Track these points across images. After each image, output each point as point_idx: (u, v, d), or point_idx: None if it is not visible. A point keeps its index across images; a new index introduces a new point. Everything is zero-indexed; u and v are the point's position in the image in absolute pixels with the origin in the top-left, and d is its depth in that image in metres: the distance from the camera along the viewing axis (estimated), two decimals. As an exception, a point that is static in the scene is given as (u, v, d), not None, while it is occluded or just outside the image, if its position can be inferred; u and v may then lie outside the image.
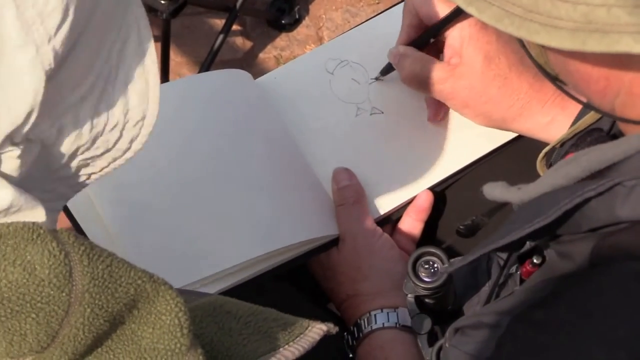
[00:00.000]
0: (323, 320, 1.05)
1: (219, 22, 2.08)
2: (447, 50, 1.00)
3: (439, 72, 1.00)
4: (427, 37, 1.03)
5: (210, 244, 0.97)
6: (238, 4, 1.95)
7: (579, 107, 0.97)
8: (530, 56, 0.69)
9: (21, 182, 0.55)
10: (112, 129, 0.58)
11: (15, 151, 0.53)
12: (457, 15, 0.99)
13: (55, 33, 0.52)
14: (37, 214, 0.55)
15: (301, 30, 2.16)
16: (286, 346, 0.65)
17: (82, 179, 0.60)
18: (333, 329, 0.68)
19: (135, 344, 0.57)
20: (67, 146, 0.57)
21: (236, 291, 0.97)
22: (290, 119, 1.08)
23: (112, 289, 0.55)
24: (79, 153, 0.58)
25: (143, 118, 0.59)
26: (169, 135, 1.02)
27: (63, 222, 0.99)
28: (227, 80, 1.09)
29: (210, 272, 0.95)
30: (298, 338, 0.66)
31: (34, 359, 0.54)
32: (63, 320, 0.53)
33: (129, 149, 0.60)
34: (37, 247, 0.53)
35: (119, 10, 0.57)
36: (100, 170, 0.60)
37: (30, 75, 0.51)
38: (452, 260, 0.93)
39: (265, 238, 0.98)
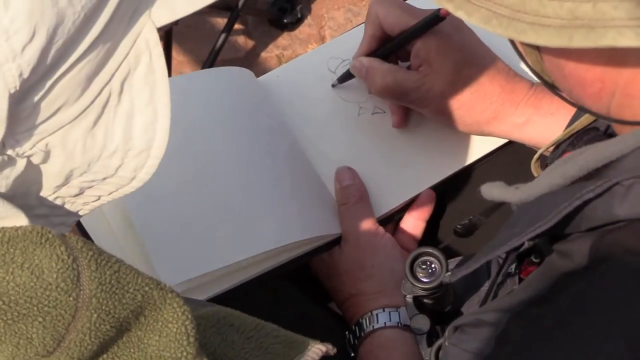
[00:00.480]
0: (325, 319, 1.06)
1: (221, 21, 2.08)
2: (415, 60, 1.01)
3: (410, 82, 1.00)
4: (394, 48, 1.03)
5: (212, 242, 0.97)
6: (240, 3, 1.95)
7: (554, 106, 0.98)
8: (527, 64, 0.69)
9: (17, 197, 0.55)
10: (111, 155, 0.58)
11: None
12: (428, 27, 0.99)
13: (22, 51, 0.52)
14: (18, 222, 0.55)
15: (303, 30, 2.16)
16: None
17: (90, 199, 0.60)
18: (332, 350, 0.68)
19: (141, 351, 0.57)
20: (58, 166, 0.57)
21: (239, 290, 0.97)
22: (292, 117, 1.08)
23: (119, 294, 0.55)
24: (75, 175, 0.58)
25: (149, 148, 0.59)
26: (172, 132, 1.03)
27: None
28: (229, 77, 1.09)
29: (211, 269, 0.95)
30: (297, 357, 0.66)
31: None
32: (70, 324, 0.53)
33: (134, 177, 0.60)
34: (46, 251, 0.53)
35: (125, 36, 0.57)
36: (109, 194, 0.60)
37: None
38: (454, 261, 0.93)
39: (267, 236, 0.98)
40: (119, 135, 0.58)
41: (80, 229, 0.98)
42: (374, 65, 1.02)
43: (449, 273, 0.82)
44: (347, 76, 1.08)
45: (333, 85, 1.10)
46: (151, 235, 0.97)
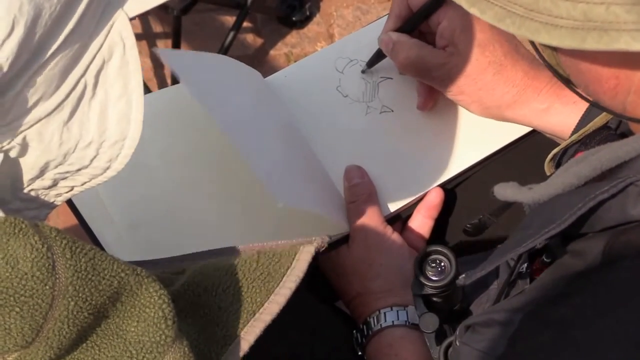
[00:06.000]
0: (333, 317, 1.06)
1: (230, 19, 2.08)
2: (440, 40, 1.01)
3: (435, 59, 1.00)
4: (415, 22, 1.03)
5: (221, 237, 0.97)
6: (249, 1, 1.95)
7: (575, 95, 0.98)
8: (542, 57, 0.69)
9: None
10: (87, 146, 0.58)
11: None
12: None
13: (1, 46, 0.51)
14: None
15: (312, 28, 2.16)
16: (271, 297, 0.64)
17: (63, 190, 0.60)
18: (322, 243, 0.67)
19: (120, 337, 0.57)
20: (34, 159, 0.57)
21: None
22: (300, 117, 1.08)
23: (95, 281, 0.55)
24: (50, 167, 0.58)
25: (123, 139, 0.59)
26: (182, 131, 1.03)
27: (70, 218, 1.00)
28: (238, 76, 1.09)
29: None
30: (285, 277, 0.65)
31: (19, 355, 0.54)
32: (47, 313, 0.53)
33: (108, 167, 0.60)
34: (20, 241, 0.53)
35: (100, 29, 0.57)
36: (81, 185, 0.60)
37: None
38: (465, 259, 0.92)
39: (276, 233, 0.98)
40: (94, 127, 0.58)
41: (90, 235, 0.98)
42: (401, 40, 1.03)
43: (464, 275, 0.82)
44: (376, 58, 1.08)
45: (363, 71, 1.10)
46: (162, 230, 0.97)
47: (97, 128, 0.58)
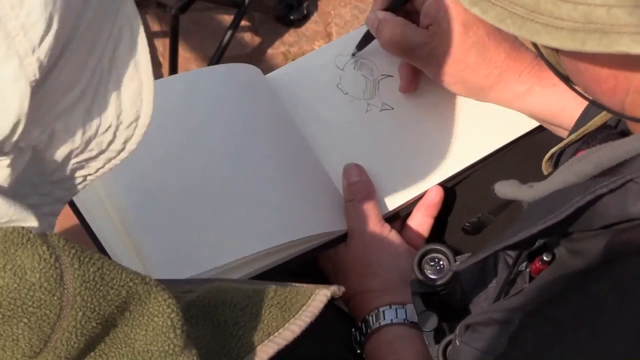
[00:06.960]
0: (331, 315, 1.06)
1: (228, 18, 2.08)
2: (425, 19, 1.01)
3: (418, 38, 1.00)
4: (400, 0, 1.04)
5: (220, 236, 0.97)
6: (247, 0, 1.95)
7: (556, 78, 0.97)
8: (542, 56, 0.69)
9: (15, 189, 0.55)
10: (105, 131, 0.58)
11: (5, 160, 0.53)
12: None
13: (40, 43, 0.51)
14: (28, 224, 0.55)
15: (310, 26, 2.16)
16: (286, 325, 0.64)
17: (78, 181, 0.60)
18: (338, 291, 0.67)
19: (128, 346, 0.57)
20: (59, 150, 0.57)
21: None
22: (300, 115, 1.08)
23: (103, 291, 0.54)
24: (72, 157, 0.58)
25: (137, 119, 0.59)
26: (181, 128, 1.03)
27: (70, 218, 0.99)
28: (237, 74, 1.09)
29: (219, 263, 0.95)
30: (300, 311, 0.65)
31: None
32: (55, 324, 0.53)
33: (123, 149, 0.60)
34: (27, 251, 0.53)
35: (110, 13, 0.57)
36: (95, 172, 0.60)
37: (14, 87, 0.51)
38: (462, 257, 0.92)
39: (274, 232, 0.98)
40: (112, 111, 0.58)
41: (91, 235, 0.98)
42: (385, 18, 1.03)
43: (457, 262, 0.82)
44: (365, 39, 1.09)
45: (353, 54, 1.10)
46: (153, 233, 0.97)
47: (115, 111, 0.58)
